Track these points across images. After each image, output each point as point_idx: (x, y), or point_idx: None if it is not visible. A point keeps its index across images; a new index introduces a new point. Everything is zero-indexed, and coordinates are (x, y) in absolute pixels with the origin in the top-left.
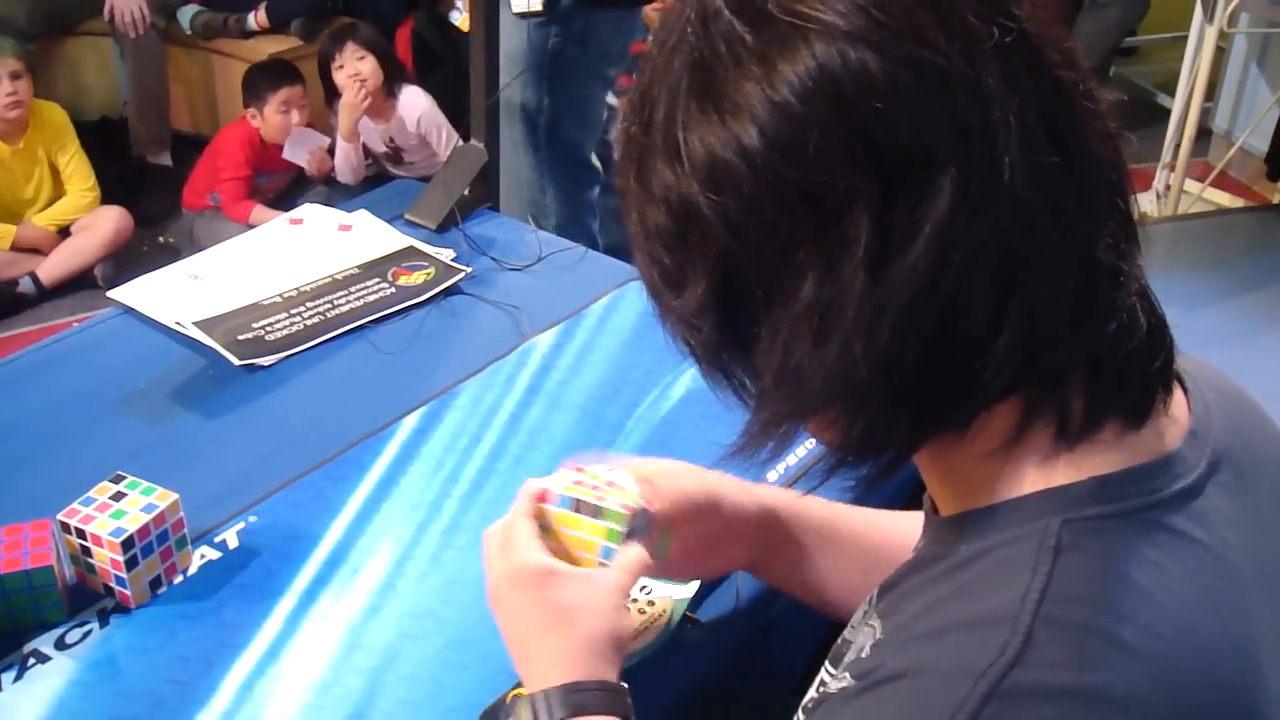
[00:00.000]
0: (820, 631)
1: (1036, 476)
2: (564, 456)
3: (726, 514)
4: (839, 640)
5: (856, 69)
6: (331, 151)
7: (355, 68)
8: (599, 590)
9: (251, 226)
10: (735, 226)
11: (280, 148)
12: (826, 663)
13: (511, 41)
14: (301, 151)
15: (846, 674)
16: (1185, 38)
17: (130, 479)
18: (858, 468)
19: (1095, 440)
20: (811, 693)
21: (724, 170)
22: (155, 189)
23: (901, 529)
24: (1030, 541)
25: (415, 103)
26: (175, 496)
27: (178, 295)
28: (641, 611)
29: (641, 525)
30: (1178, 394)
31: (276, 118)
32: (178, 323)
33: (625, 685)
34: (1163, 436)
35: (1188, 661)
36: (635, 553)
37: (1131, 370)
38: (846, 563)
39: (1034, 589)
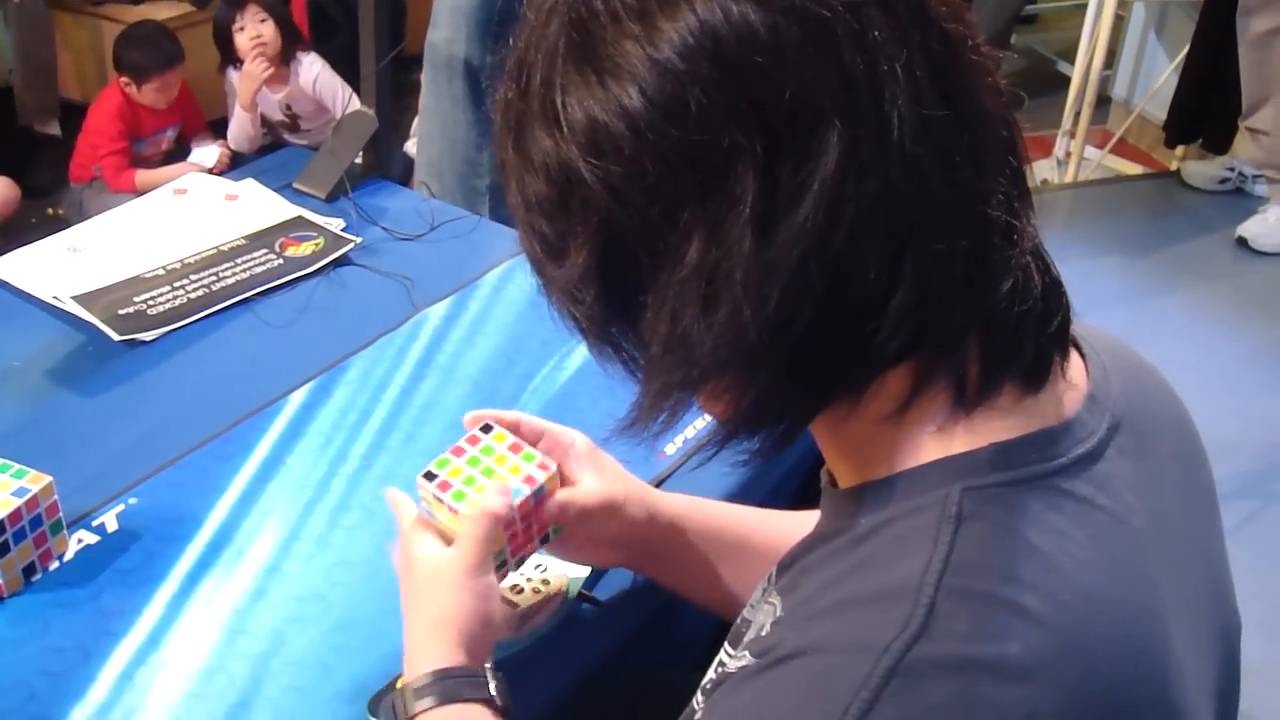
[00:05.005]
0: None
1: (935, 445)
2: (456, 432)
3: (617, 519)
4: (738, 620)
5: (739, 23)
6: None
7: (257, 29)
8: (443, 573)
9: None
10: (617, 191)
11: (155, 112)
12: (726, 643)
13: None
14: (208, 158)
15: (746, 652)
16: (1085, 6)
17: (1, 461)
18: (750, 440)
19: (993, 407)
20: (711, 673)
21: (604, 134)
22: (44, 159)
23: (797, 530)
24: (931, 511)
25: (311, 68)
26: (49, 479)
27: (55, 268)
28: (536, 590)
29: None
30: (1075, 359)
31: (153, 94)
32: (55, 297)
33: (488, 667)
34: (1061, 402)
35: (1094, 627)
36: (476, 520)
37: (1027, 331)
38: (737, 569)
39: (936, 560)
